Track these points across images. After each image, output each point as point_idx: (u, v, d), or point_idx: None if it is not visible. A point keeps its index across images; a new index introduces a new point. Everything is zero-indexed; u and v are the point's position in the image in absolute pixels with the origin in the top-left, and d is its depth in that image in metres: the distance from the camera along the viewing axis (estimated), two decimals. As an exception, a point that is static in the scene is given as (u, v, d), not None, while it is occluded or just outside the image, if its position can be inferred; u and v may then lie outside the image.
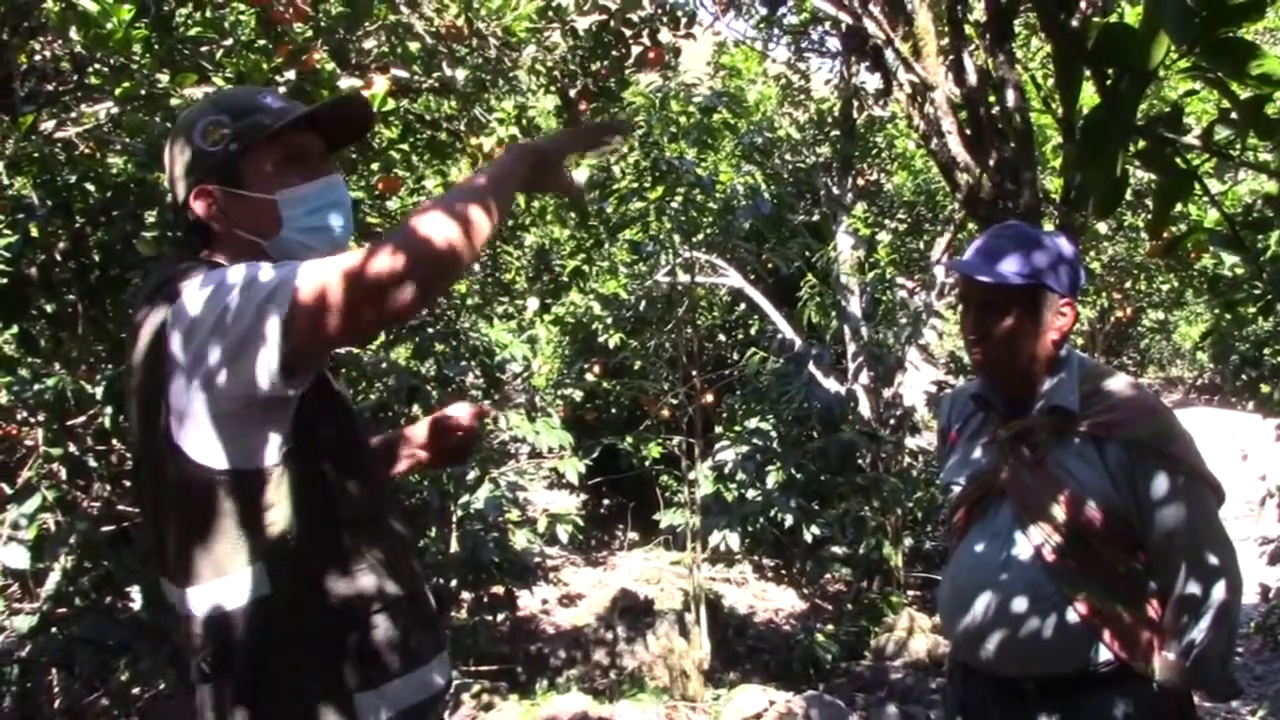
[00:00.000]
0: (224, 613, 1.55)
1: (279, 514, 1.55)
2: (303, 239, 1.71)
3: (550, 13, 4.71)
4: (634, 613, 7.69)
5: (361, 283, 1.45)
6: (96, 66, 3.78)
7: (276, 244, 1.70)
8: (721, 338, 12.08)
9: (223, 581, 1.55)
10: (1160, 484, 2.04)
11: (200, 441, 1.53)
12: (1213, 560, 2.02)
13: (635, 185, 7.49)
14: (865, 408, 9.23)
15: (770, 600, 9.48)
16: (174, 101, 3.32)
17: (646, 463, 9.22)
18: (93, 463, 3.59)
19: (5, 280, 3.18)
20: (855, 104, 10.32)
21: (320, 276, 1.46)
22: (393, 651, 1.63)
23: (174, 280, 1.58)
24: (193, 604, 1.57)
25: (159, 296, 1.58)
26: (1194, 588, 2.01)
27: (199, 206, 1.68)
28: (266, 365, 1.47)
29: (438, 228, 1.49)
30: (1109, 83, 1.19)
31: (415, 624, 1.69)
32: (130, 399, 1.65)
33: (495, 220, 1.56)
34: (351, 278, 1.45)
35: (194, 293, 1.53)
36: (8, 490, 3.43)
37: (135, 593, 3.60)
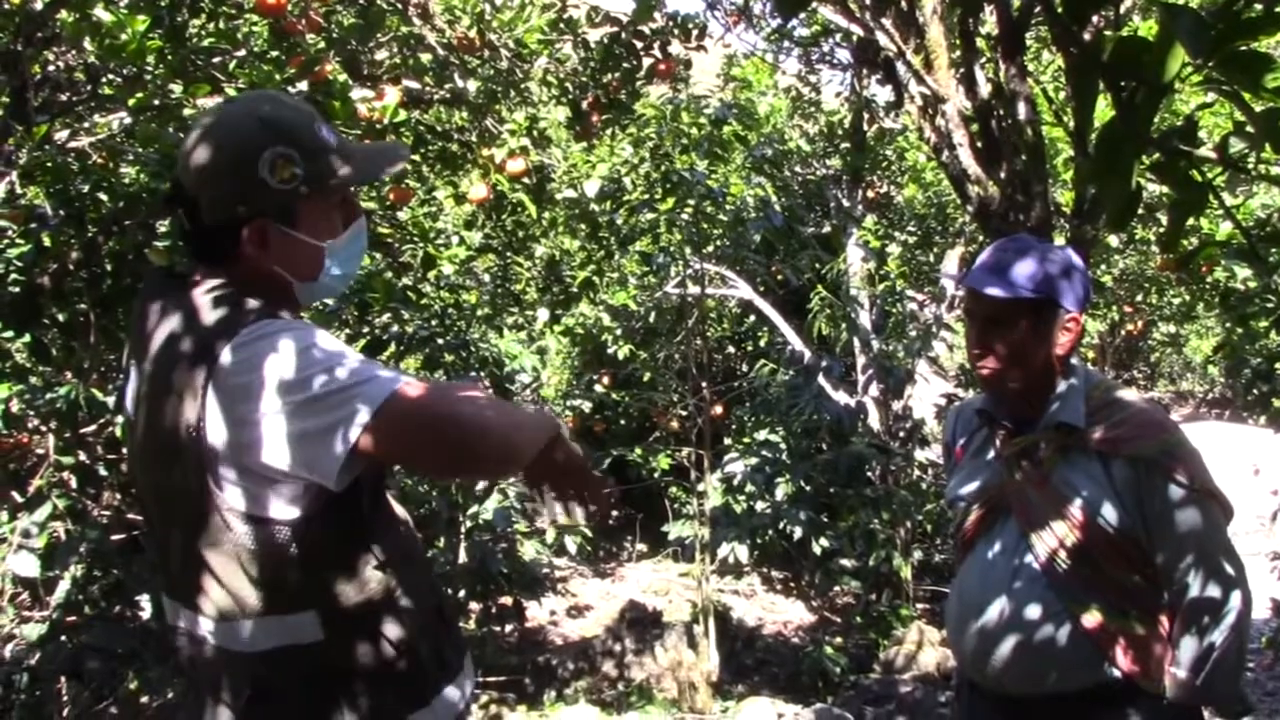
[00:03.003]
0: (263, 651, 1.54)
1: (318, 560, 1.53)
2: (331, 284, 1.71)
3: (562, 25, 4.73)
4: (642, 624, 7.67)
5: (450, 429, 1.46)
6: (110, 77, 3.80)
7: (307, 287, 1.67)
8: (731, 349, 12.05)
9: (266, 621, 1.53)
10: (1168, 501, 2.03)
11: (236, 488, 1.49)
12: (1221, 577, 2.00)
13: (646, 197, 7.49)
14: (875, 420, 9.20)
15: (779, 612, 9.44)
16: (187, 112, 3.34)
17: (655, 474, 9.21)
18: (103, 471, 3.59)
19: (18, 289, 3.20)
20: (866, 116, 10.31)
21: (423, 401, 1.46)
22: (436, 666, 1.66)
23: (225, 318, 1.52)
24: (222, 638, 1.56)
25: (199, 336, 1.52)
26: (1203, 604, 2.00)
27: (249, 238, 1.58)
28: (335, 459, 1.44)
29: (515, 425, 1.56)
30: (1124, 96, 1.19)
31: (445, 636, 1.72)
32: (143, 409, 1.58)
33: (530, 453, 1.62)
34: (445, 420, 1.46)
35: (258, 347, 1.47)
36: (19, 498, 3.44)
37: (145, 601, 3.61)
